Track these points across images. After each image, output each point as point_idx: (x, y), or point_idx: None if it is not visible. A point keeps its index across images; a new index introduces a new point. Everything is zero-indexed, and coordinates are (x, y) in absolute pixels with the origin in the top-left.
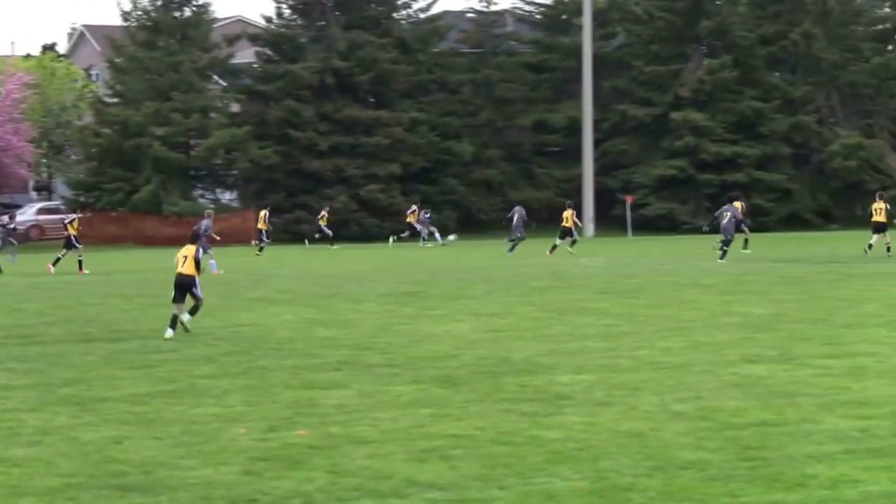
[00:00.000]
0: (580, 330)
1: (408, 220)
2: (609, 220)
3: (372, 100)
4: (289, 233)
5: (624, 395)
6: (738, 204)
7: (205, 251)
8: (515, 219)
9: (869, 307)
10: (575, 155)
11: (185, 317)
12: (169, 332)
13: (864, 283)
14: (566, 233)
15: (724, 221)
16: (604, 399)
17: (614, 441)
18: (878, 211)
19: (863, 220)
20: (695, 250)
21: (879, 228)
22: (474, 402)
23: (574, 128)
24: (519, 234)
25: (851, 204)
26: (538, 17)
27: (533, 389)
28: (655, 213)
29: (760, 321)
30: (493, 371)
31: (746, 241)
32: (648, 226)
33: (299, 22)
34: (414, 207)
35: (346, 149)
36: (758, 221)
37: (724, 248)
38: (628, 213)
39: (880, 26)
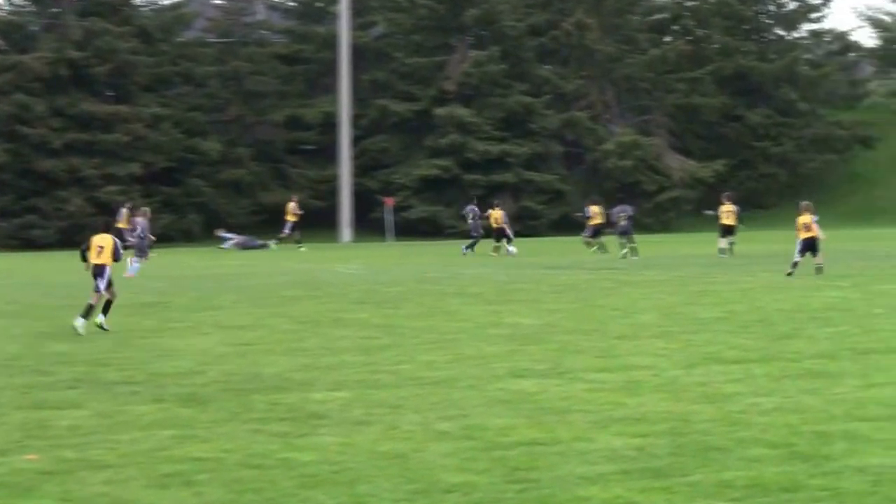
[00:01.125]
0: (336, 343)
1: (288, 217)
2: (368, 224)
3: (110, 93)
4: (18, 238)
5: (384, 414)
6: (496, 214)
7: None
8: (470, 217)
9: (645, 317)
10: (331, 154)
11: (100, 317)
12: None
13: (639, 290)
14: (501, 233)
15: (623, 222)
16: (362, 418)
17: (373, 463)
18: (727, 214)
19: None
20: (459, 257)
21: (727, 231)
22: (221, 422)
23: (330, 124)
24: (476, 234)
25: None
26: (291, 4)
27: (285, 408)
28: (418, 217)
29: (530, 332)
30: (241, 388)
31: (497, 247)
32: (411, 230)
33: (30, 9)
34: (293, 204)
35: (82, 147)
36: (527, 225)
37: (633, 245)
38: (389, 217)
39: (657, 16)
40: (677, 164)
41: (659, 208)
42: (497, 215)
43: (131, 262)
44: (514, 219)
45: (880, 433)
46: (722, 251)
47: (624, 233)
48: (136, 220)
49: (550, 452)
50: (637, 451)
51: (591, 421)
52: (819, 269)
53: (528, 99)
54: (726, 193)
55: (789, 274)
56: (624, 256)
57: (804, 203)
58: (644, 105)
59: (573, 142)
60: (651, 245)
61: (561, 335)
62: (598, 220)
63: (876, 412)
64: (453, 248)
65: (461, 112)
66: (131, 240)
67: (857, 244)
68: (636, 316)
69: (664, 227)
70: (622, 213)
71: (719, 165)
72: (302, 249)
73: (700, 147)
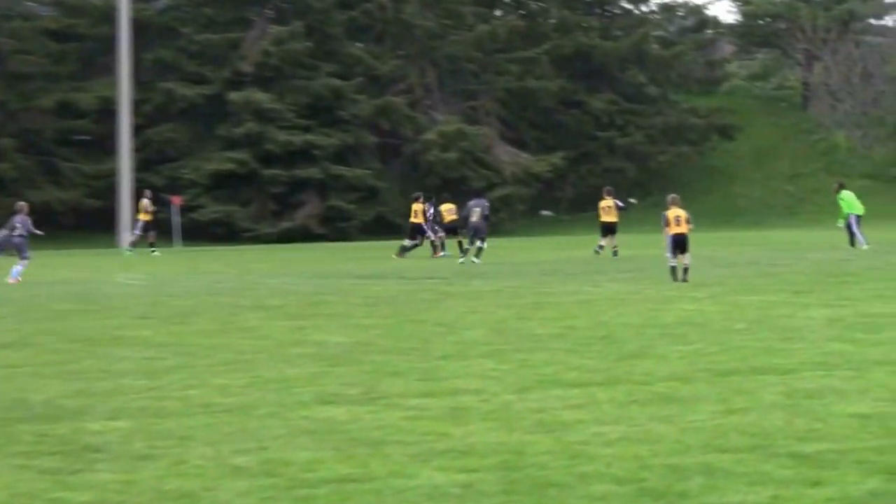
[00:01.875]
0: (115, 365)
1: (140, 216)
2: (152, 227)
3: None
4: None
5: (170, 446)
6: (417, 207)
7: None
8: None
9: (472, 333)
10: (109, 145)
11: None
12: None
13: (466, 303)
14: (417, 230)
15: (475, 219)
16: (145, 451)
17: None
18: (607, 210)
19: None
20: (263, 263)
21: (608, 230)
22: None
23: (108, 111)
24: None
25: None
26: None
27: (56, 440)
28: (210, 218)
29: (339, 352)
30: (4, 417)
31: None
32: (202, 233)
33: None
34: (146, 200)
35: None
36: (336, 227)
37: (481, 245)
38: (176, 218)
39: None
40: (509, 156)
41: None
42: (417, 208)
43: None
44: (321, 220)
45: (742, 466)
46: (599, 249)
47: (476, 231)
48: (15, 219)
49: (363, 490)
50: (463, 488)
51: (410, 454)
52: (686, 272)
53: (337, 82)
54: (607, 188)
55: (683, 280)
56: (466, 258)
57: (672, 196)
58: (471, 89)
59: (389, 131)
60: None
61: (375, 355)
62: (452, 217)
63: (737, 442)
64: (253, 255)
65: (259, 97)
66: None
67: (716, 249)
68: (462, 332)
69: (494, 229)
70: (477, 207)
71: (557, 159)
72: (155, 254)
73: (535, 137)
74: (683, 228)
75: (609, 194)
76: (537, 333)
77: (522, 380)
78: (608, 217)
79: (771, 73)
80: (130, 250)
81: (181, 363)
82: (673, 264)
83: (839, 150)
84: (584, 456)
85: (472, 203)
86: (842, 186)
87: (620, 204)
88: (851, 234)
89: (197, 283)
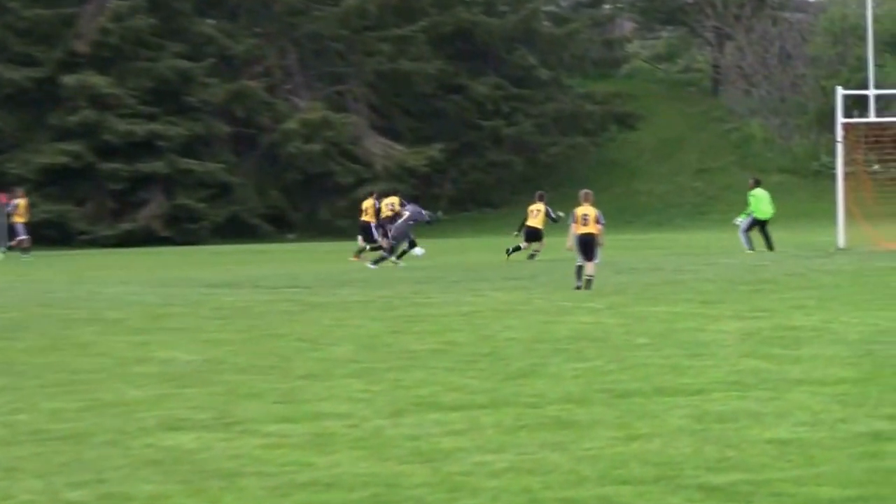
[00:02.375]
0: None
1: (15, 219)
2: None
3: None
4: None
5: None
6: (368, 203)
7: None
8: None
9: (339, 350)
10: None
11: None
12: None
13: (332, 315)
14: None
15: (400, 221)
16: None
17: None
18: (535, 214)
19: (329, 227)
20: (101, 270)
21: (533, 236)
22: None
23: None
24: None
25: (315, 204)
26: None
27: None
28: (41, 219)
29: (188, 371)
30: None
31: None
32: (31, 236)
33: None
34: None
35: None
36: (184, 229)
37: (389, 253)
38: (0, 220)
39: None
40: (380, 149)
41: (356, 207)
42: (367, 205)
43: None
44: (167, 221)
45: (644, 499)
46: (513, 249)
47: (396, 232)
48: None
49: None
50: None
51: (268, 487)
52: (589, 283)
53: (186, 64)
54: (539, 192)
55: (578, 287)
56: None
57: (584, 192)
58: (337, 72)
59: (244, 120)
60: (345, 255)
61: (229, 374)
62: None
63: (639, 472)
64: (86, 260)
65: (96, 81)
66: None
67: (616, 253)
68: (328, 349)
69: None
70: (406, 210)
71: (435, 151)
72: (27, 259)
73: (410, 127)
74: (592, 228)
75: (541, 199)
76: (413, 350)
77: (396, 402)
78: (534, 222)
79: (677, 55)
80: None
81: (7, 384)
82: (581, 263)
83: (754, 141)
84: (465, 488)
85: (407, 207)
86: (758, 183)
87: (552, 215)
88: (766, 236)
89: (25, 293)
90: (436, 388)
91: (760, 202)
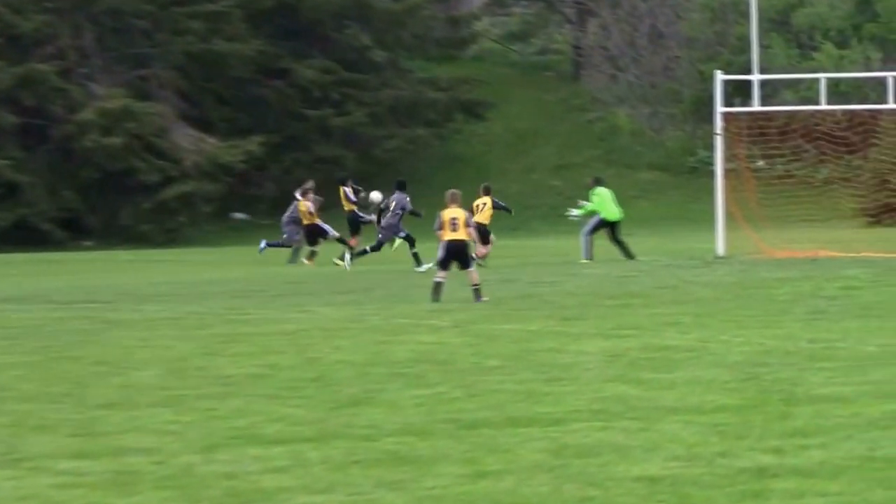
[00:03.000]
0: None
1: None
2: None
3: None
4: None
5: None
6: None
7: None
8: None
9: (143, 374)
10: None
11: None
12: None
13: (135, 335)
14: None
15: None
16: None
17: None
18: (481, 209)
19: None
20: None
21: (482, 233)
22: None
23: None
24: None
25: (115, 207)
26: None
27: None
28: None
29: None
30: None
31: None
32: None
33: None
34: None
35: None
36: None
37: (372, 250)
38: None
39: None
40: (190, 142)
41: (162, 210)
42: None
43: None
44: None
45: None
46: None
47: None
48: None
49: None
50: None
51: None
52: (477, 292)
53: None
54: (485, 185)
55: (436, 300)
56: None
57: (451, 192)
58: (141, 54)
59: (33, 109)
60: (152, 266)
61: (15, 403)
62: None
63: None
64: None
65: None
66: None
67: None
68: (131, 373)
69: (170, 237)
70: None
71: (254, 145)
72: None
73: (225, 117)
74: (462, 234)
75: (487, 192)
76: (228, 374)
77: (209, 435)
78: (481, 218)
79: (532, 34)
80: None
81: None
82: (440, 280)
83: (620, 134)
84: None
85: (394, 197)
86: (598, 181)
87: (501, 203)
88: (620, 244)
89: None
90: (255, 419)
91: (606, 202)
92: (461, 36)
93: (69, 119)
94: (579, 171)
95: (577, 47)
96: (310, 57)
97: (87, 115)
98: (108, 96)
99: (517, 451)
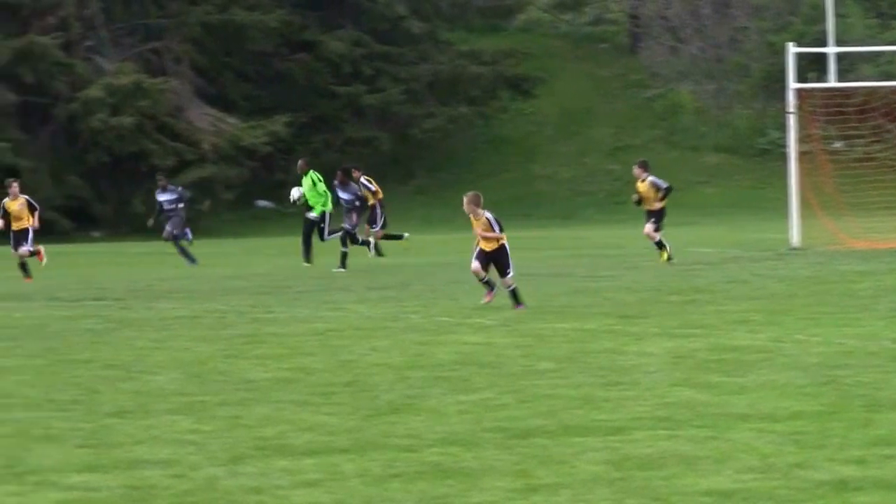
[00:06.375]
0: None
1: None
2: None
3: None
4: None
5: None
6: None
7: None
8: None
9: (159, 378)
10: None
11: None
12: None
13: (149, 335)
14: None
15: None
16: None
17: None
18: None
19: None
20: None
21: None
22: None
23: None
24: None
25: (126, 194)
26: None
27: None
28: None
29: None
30: None
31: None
32: None
33: None
34: None
35: None
36: None
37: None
38: None
39: None
40: (208, 122)
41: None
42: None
43: None
44: None
45: None
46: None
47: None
48: None
49: None
50: None
51: None
52: (514, 295)
53: None
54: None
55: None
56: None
57: (472, 194)
58: (153, 25)
59: (34, 86)
60: (167, 259)
61: (19, 411)
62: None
63: None
64: None
65: None
66: None
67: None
68: (145, 378)
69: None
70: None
71: (279, 125)
72: None
73: (246, 94)
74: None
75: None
76: (253, 379)
77: (233, 446)
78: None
79: (585, 2)
80: None
81: None
82: (487, 278)
83: (683, 113)
84: None
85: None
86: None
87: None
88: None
89: None
90: (283, 428)
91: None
92: (506, 4)
93: (74, 97)
94: (637, 154)
95: (634, 17)
96: (339, 28)
97: (93, 92)
98: (116, 72)
99: (573, 463)
